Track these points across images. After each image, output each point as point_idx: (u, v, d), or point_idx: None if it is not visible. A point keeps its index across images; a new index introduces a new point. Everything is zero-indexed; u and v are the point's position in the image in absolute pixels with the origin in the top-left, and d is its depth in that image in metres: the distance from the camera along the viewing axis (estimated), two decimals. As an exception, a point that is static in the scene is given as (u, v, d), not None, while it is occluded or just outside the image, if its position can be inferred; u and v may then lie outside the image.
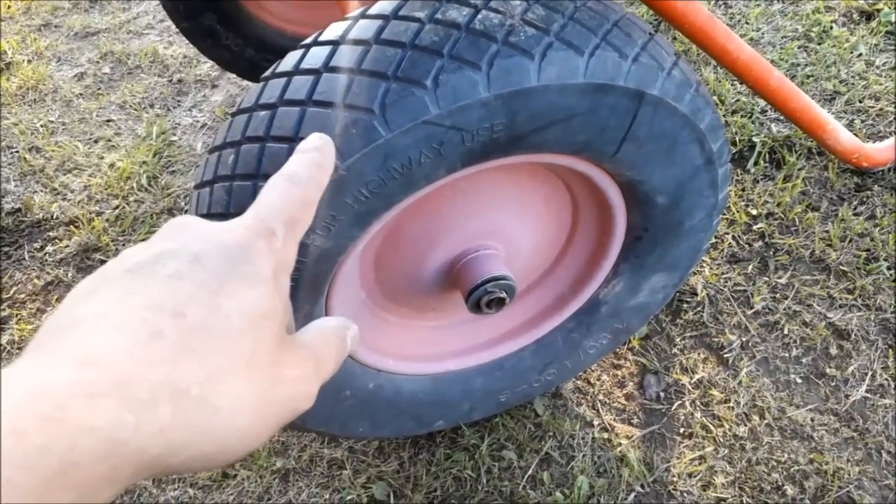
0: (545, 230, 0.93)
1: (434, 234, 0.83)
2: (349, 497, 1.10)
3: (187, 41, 1.56)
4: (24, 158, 1.70)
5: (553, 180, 0.87)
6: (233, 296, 0.32)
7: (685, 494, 1.07)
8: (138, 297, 0.30)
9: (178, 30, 1.54)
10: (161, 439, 0.27)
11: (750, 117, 1.55)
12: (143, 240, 1.49)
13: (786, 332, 1.22)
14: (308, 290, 0.72)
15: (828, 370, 1.17)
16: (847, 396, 1.14)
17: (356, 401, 0.91)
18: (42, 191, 1.63)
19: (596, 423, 1.15)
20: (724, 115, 1.56)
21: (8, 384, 0.25)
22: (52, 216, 1.57)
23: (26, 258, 1.50)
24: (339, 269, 0.74)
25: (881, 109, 1.53)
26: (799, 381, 1.17)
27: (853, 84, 1.59)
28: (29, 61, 2.04)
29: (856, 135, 1.48)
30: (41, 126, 1.80)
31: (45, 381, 0.26)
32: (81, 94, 1.91)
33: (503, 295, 0.82)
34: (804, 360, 1.19)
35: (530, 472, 1.11)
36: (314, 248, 0.66)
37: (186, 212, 1.55)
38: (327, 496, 1.11)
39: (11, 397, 0.25)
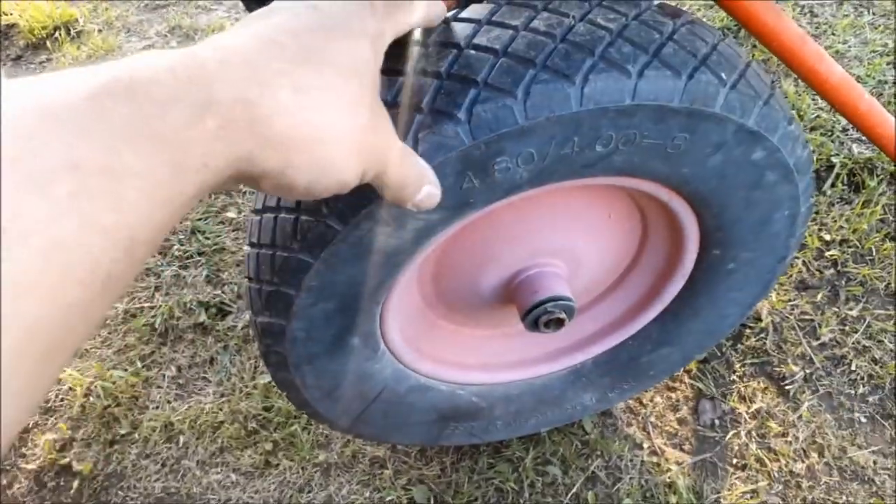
0: (610, 247, 0.89)
1: (493, 249, 0.81)
2: (389, 498, 1.10)
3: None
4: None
5: (622, 197, 0.83)
6: (343, 38, 0.37)
7: (734, 529, 1.03)
8: (265, 24, 0.36)
9: (244, 7, 1.53)
10: (280, 123, 0.33)
11: (830, 135, 1.47)
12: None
13: (853, 367, 1.16)
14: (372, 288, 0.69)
15: (895, 412, 1.11)
16: (915, 442, 1.08)
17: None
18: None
19: (646, 445, 1.12)
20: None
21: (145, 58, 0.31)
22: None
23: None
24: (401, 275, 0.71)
25: (973, 136, 1.43)
26: (863, 420, 1.11)
27: (944, 106, 1.49)
28: (99, 31, 2.07)
29: (944, 161, 1.40)
30: (108, 97, 1.82)
31: (186, 53, 0.32)
32: (148, 68, 1.92)
33: (562, 315, 0.80)
34: (870, 399, 1.13)
35: (574, 489, 1.08)
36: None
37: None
38: (367, 494, 1.11)
39: (156, 61, 0.30)
